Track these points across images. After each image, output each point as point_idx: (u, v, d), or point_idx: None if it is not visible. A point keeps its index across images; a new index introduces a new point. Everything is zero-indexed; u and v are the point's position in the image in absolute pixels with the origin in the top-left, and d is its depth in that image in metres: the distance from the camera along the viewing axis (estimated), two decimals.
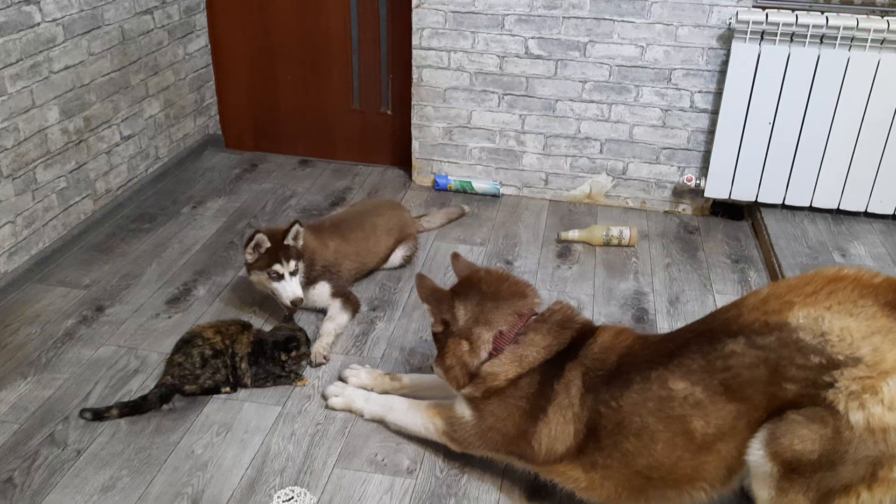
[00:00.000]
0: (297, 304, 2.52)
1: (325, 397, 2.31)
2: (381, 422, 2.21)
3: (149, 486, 2.01)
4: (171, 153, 3.76)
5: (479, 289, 2.01)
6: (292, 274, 2.54)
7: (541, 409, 1.84)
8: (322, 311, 2.72)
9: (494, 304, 1.96)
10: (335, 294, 2.71)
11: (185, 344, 2.30)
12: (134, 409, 2.21)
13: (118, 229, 3.26)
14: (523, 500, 2.00)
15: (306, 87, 3.96)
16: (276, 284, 2.54)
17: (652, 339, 1.88)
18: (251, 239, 2.53)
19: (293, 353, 2.33)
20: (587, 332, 1.92)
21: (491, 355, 1.91)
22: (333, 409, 2.27)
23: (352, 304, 2.73)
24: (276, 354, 2.31)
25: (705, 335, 1.68)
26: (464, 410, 1.99)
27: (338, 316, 2.66)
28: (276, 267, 2.52)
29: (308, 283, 2.66)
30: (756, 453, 1.60)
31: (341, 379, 2.37)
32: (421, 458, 2.12)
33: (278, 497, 1.96)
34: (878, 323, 1.48)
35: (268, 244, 2.52)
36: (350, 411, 2.26)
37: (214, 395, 2.32)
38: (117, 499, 1.96)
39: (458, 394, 2.01)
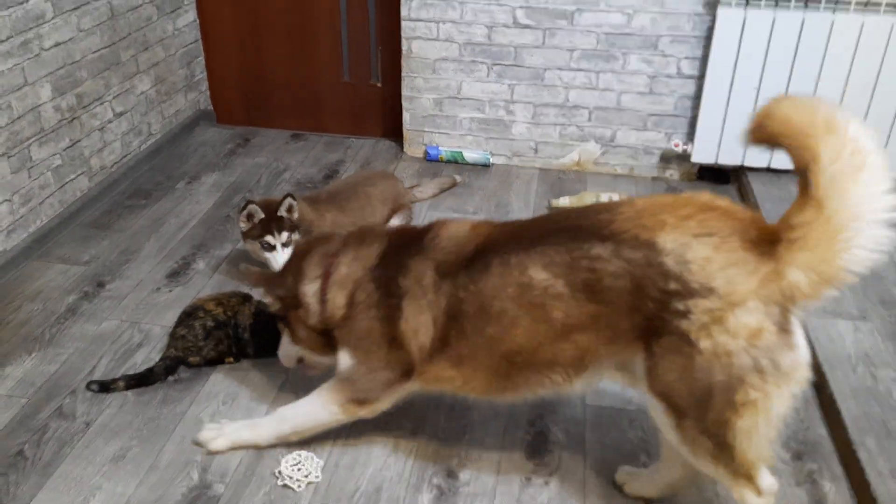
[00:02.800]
0: None
1: (199, 444, 2.07)
2: (282, 439, 2.06)
3: (158, 455, 2.06)
4: (163, 129, 3.77)
5: (297, 255, 2.06)
6: (284, 245, 2.59)
7: (395, 308, 1.84)
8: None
9: (307, 258, 2.00)
10: None
11: (187, 317, 2.35)
12: (140, 381, 2.26)
13: (114, 206, 3.28)
14: (522, 460, 2.07)
15: (296, 61, 3.97)
16: (267, 254, 2.59)
17: (512, 225, 1.88)
18: (244, 208, 2.58)
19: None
20: (415, 231, 1.93)
21: (325, 302, 1.94)
22: (219, 452, 2.05)
23: None
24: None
25: (572, 231, 1.67)
26: (344, 360, 1.94)
27: None
28: (268, 238, 2.57)
29: None
30: (644, 391, 1.67)
31: (198, 444, 2.10)
32: (423, 419, 2.19)
33: (286, 462, 2.02)
34: (736, 255, 1.52)
35: (261, 215, 2.57)
36: (241, 447, 2.06)
37: (219, 366, 2.37)
38: (128, 468, 2.02)
39: (327, 360, 2.02)
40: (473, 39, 3.54)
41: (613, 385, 2.30)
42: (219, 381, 2.32)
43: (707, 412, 1.57)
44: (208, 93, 4.13)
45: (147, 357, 2.41)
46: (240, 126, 4.14)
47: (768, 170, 3.42)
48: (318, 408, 1.99)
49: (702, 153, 3.43)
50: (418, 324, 1.82)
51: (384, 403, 1.96)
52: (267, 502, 1.93)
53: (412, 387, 1.94)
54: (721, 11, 3.18)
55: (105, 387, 2.25)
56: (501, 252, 1.73)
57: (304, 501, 1.94)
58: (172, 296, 2.71)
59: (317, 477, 2.00)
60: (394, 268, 1.86)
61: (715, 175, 3.61)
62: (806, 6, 3.13)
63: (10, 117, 2.75)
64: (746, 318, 1.50)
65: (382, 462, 2.06)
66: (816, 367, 2.31)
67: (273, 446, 2.07)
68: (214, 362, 2.36)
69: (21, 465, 2.02)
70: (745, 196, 3.41)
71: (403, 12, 3.54)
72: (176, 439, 2.11)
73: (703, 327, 1.52)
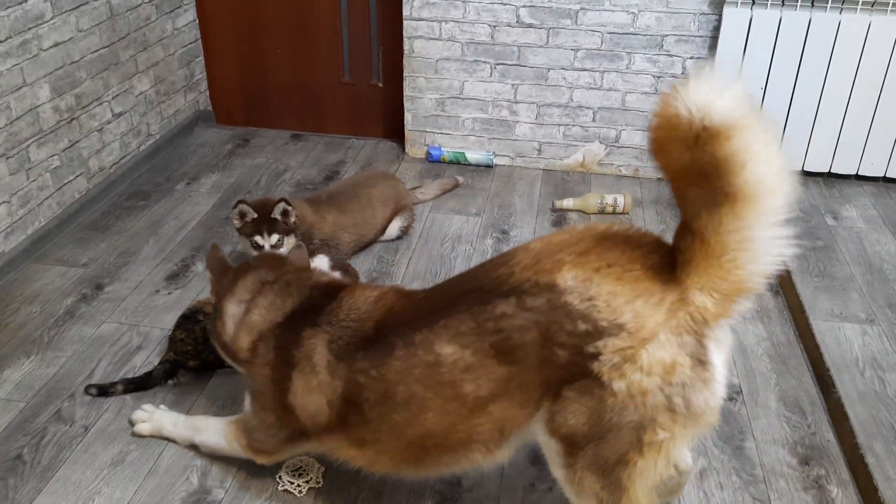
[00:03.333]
0: None
1: (131, 423, 2.13)
2: (193, 447, 2.05)
3: (157, 459, 2.03)
4: (162, 130, 3.74)
5: (244, 269, 1.94)
6: (273, 247, 2.56)
7: (285, 379, 1.74)
8: None
9: (246, 277, 1.90)
10: (334, 267, 2.72)
11: (185, 320, 2.32)
12: (139, 385, 2.23)
13: (113, 207, 3.25)
14: (526, 465, 2.04)
15: (296, 61, 3.94)
16: (255, 255, 2.57)
17: (415, 297, 1.74)
18: (235, 207, 2.59)
19: None
20: (331, 292, 1.81)
21: (236, 335, 1.85)
22: (140, 435, 2.09)
23: (351, 276, 2.75)
24: None
25: (475, 294, 1.55)
26: (246, 402, 1.88)
27: None
28: (257, 238, 2.56)
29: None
30: (540, 433, 1.55)
31: (131, 422, 2.14)
32: None
33: (286, 466, 1.99)
34: (641, 286, 1.42)
35: (253, 214, 2.55)
36: (160, 437, 2.09)
37: (218, 370, 2.34)
38: (127, 472, 1.99)
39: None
40: (476, 39, 3.51)
41: None
42: (218, 385, 2.29)
43: (608, 451, 1.47)
44: (208, 93, 4.10)
45: (146, 360, 2.38)
46: (239, 126, 4.11)
47: None
48: (224, 441, 1.96)
49: None
50: (308, 402, 1.72)
51: (284, 455, 1.90)
52: None
53: (315, 447, 1.84)
54: (727, 11, 3.15)
55: (104, 391, 2.22)
56: (404, 330, 1.61)
57: None
58: (171, 298, 2.69)
59: (318, 482, 1.97)
60: (292, 334, 1.75)
61: None
62: (813, 6, 3.10)
63: (9, 118, 2.72)
64: (659, 354, 1.40)
65: None
66: (824, 371, 2.29)
67: None
68: (214, 366, 2.33)
69: (20, 469, 1.99)
70: None
71: (405, 11, 3.51)
72: (175, 444, 2.08)
73: (616, 367, 1.41)
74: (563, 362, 1.46)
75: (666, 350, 1.40)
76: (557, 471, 1.57)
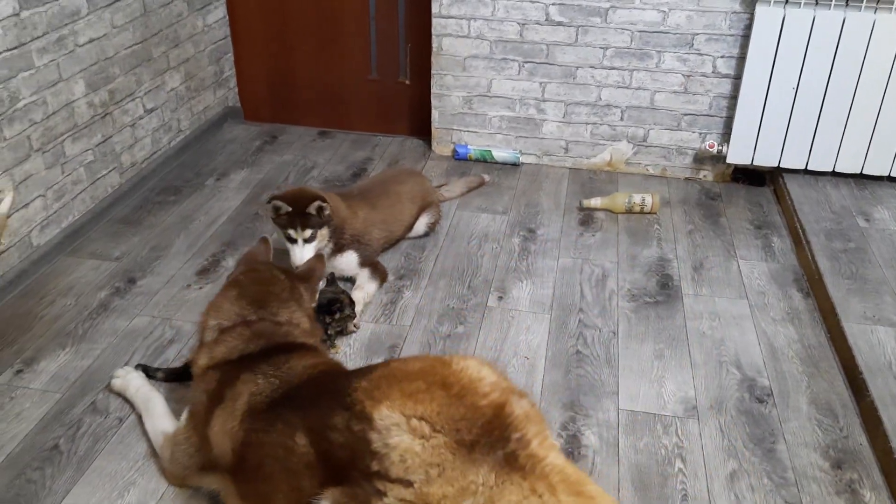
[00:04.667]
0: None
1: (111, 376, 2.27)
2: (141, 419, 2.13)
3: None
4: (192, 126, 3.78)
5: (255, 276, 2.00)
6: (306, 241, 2.56)
7: (210, 412, 1.78)
8: (350, 280, 2.75)
9: (239, 297, 1.94)
10: (363, 263, 2.74)
11: None
12: (179, 375, 2.26)
13: (145, 202, 3.29)
14: None
15: (323, 58, 3.96)
16: (289, 245, 2.59)
17: (321, 377, 1.74)
18: (269, 202, 2.59)
19: (336, 316, 2.37)
20: (287, 348, 1.83)
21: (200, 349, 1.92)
22: (111, 389, 2.24)
23: (380, 273, 2.76)
24: (320, 317, 2.34)
25: (335, 395, 1.58)
26: (182, 416, 1.93)
27: (366, 285, 2.69)
28: (290, 231, 2.56)
29: (336, 251, 2.69)
30: None
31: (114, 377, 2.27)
32: None
33: None
34: (441, 456, 1.39)
35: (287, 208, 2.55)
36: (123, 397, 2.21)
37: None
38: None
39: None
40: (505, 37, 3.51)
41: (648, 388, 2.28)
42: None
43: None
44: (237, 90, 4.13)
45: (179, 354, 2.41)
46: (267, 123, 4.14)
47: (805, 171, 3.36)
48: (157, 440, 2.01)
49: (737, 154, 3.38)
50: (219, 441, 1.74)
51: (191, 481, 1.91)
52: None
53: (219, 486, 1.84)
54: (759, 9, 3.12)
55: (148, 372, 2.28)
56: (290, 409, 1.64)
57: None
58: (203, 293, 2.71)
59: None
60: (235, 373, 1.78)
61: (750, 177, 3.55)
62: (847, 5, 3.07)
63: (45, 112, 2.76)
64: None
65: None
66: (857, 375, 2.27)
67: None
68: None
69: (56, 459, 2.02)
70: (781, 198, 3.35)
71: (434, 9, 3.52)
72: None
73: None
74: (355, 480, 1.46)
75: None
76: None
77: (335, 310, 2.37)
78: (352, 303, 2.45)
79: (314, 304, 2.26)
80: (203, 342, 1.93)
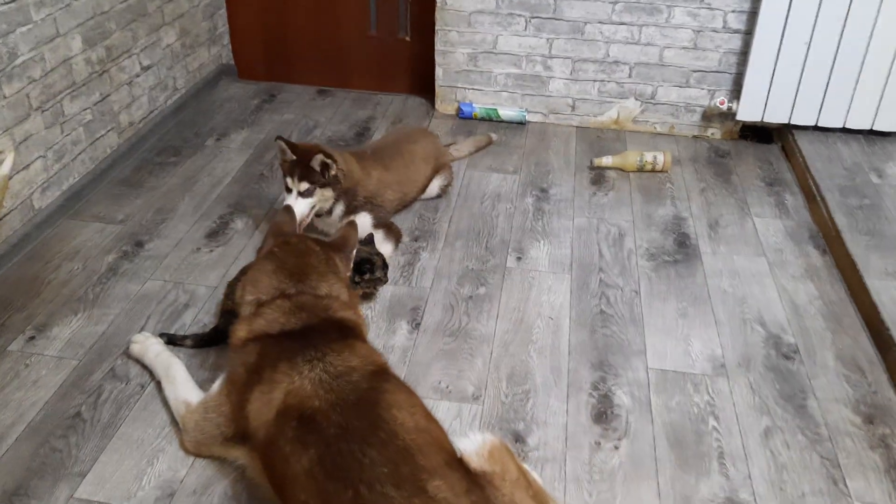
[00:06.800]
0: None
1: (129, 342, 2.19)
2: (160, 385, 2.06)
3: None
4: (187, 84, 3.66)
5: (290, 249, 1.92)
6: (301, 194, 2.49)
7: (250, 390, 1.69)
8: (362, 242, 2.69)
9: (277, 270, 1.87)
10: (377, 225, 2.68)
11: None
12: (209, 341, 2.21)
13: (144, 163, 3.19)
14: (590, 423, 2.03)
15: (320, 13, 3.84)
16: (285, 194, 2.53)
17: (371, 407, 1.58)
18: (277, 139, 2.53)
19: (367, 276, 2.31)
20: (336, 334, 1.74)
21: (238, 321, 1.85)
22: (130, 355, 2.17)
23: (394, 234, 2.71)
24: (351, 276, 2.28)
25: (406, 472, 1.45)
26: (216, 383, 1.86)
27: (381, 246, 2.64)
28: (287, 179, 2.50)
29: (349, 212, 2.63)
30: None
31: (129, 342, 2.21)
32: (485, 383, 2.14)
33: None
34: None
35: (291, 155, 2.49)
36: (142, 363, 2.15)
37: None
38: None
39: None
40: None
41: (675, 346, 2.27)
42: None
43: None
44: (230, 46, 4.00)
45: (195, 318, 2.35)
46: (263, 81, 4.02)
47: (815, 128, 3.34)
48: (177, 407, 1.96)
49: (748, 111, 3.35)
50: (254, 418, 1.66)
51: (211, 450, 1.86)
52: None
53: (241, 458, 1.79)
54: None
55: (172, 340, 2.21)
56: (326, 426, 1.53)
57: None
58: (214, 256, 2.65)
59: None
60: (275, 353, 1.70)
61: (758, 134, 3.53)
62: None
63: (44, 69, 2.64)
64: None
65: (447, 426, 2.01)
66: (883, 330, 2.27)
67: None
68: None
69: (80, 426, 1.96)
70: (790, 155, 3.34)
71: None
72: None
73: None
74: None
75: None
76: None
77: (365, 270, 2.31)
78: (384, 265, 2.40)
79: (349, 273, 2.19)
80: (241, 316, 1.87)
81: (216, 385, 1.88)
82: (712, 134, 3.58)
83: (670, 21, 3.37)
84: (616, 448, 1.95)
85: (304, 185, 2.49)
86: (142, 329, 2.29)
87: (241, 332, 1.83)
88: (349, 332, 1.80)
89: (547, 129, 3.62)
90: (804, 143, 3.26)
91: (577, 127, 3.65)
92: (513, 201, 3.03)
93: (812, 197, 2.98)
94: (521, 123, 3.66)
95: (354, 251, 2.02)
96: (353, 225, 2.06)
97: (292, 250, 1.92)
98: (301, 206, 2.49)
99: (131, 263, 2.59)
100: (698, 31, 3.37)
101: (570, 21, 3.45)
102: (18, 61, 2.52)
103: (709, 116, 3.54)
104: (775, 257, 2.71)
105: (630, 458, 1.93)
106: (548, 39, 3.51)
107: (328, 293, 1.87)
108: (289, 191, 2.52)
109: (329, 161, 2.51)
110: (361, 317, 1.93)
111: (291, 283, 1.86)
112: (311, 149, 2.51)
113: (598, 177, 3.22)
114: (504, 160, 3.34)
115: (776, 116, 3.34)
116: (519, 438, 1.98)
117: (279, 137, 2.52)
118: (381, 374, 1.69)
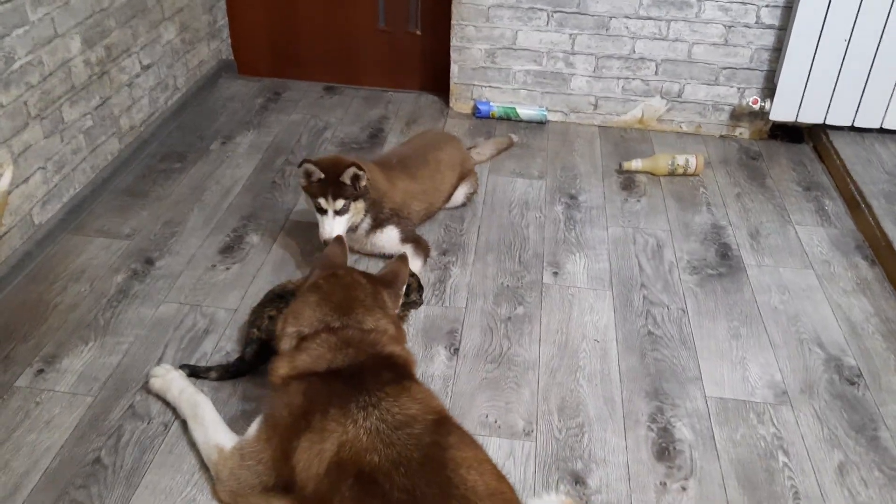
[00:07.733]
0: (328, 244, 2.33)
1: (149, 375, 2.02)
2: (185, 425, 1.90)
3: None
4: (188, 83, 3.45)
5: (336, 281, 1.77)
6: (337, 213, 2.34)
7: (296, 436, 1.55)
8: (389, 257, 2.53)
9: (321, 302, 1.73)
10: (405, 239, 2.52)
11: (278, 298, 2.10)
12: (235, 372, 2.04)
13: (148, 170, 2.99)
14: (652, 461, 1.89)
15: (326, 5, 3.64)
16: (319, 216, 2.36)
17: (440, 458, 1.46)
18: (300, 165, 2.35)
19: (401, 300, 2.15)
20: (385, 373, 1.61)
21: (279, 356, 1.71)
22: (150, 390, 1.99)
23: (423, 248, 2.55)
24: None
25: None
26: (253, 426, 1.70)
27: (410, 262, 2.47)
28: (321, 201, 2.33)
29: (375, 226, 2.47)
30: None
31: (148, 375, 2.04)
32: (535, 417, 2.00)
33: None
34: None
35: (319, 175, 2.32)
36: (164, 399, 1.97)
37: None
38: None
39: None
40: None
41: (732, 371, 2.14)
42: None
43: None
44: (229, 41, 3.79)
45: (217, 346, 2.18)
46: (266, 78, 3.82)
47: (851, 128, 3.21)
48: (208, 451, 1.78)
49: (781, 110, 3.21)
50: (303, 469, 1.52)
51: (247, 501, 1.67)
52: None
53: None
54: None
55: (195, 372, 2.04)
56: (390, 489, 1.40)
57: None
58: (231, 274, 2.47)
59: None
60: (323, 395, 1.56)
61: (788, 134, 3.40)
62: None
63: (42, 74, 2.44)
64: None
65: (501, 466, 1.86)
66: None
67: None
68: None
69: (101, 474, 1.79)
70: (825, 157, 3.21)
71: None
72: None
73: None
74: None
75: None
76: None
77: None
78: (420, 288, 2.24)
79: (397, 311, 2.01)
80: (281, 351, 1.71)
81: (253, 428, 1.71)
82: (740, 133, 3.44)
83: (700, 16, 3.21)
84: (684, 489, 1.82)
85: (341, 203, 2.33)
86: (160, 360, 2.12)
87: (282, 368, 1.68)
88: (401, 372, 1.65)
89: (569, 129, 3.47)
90: (840, 145, 3.13)
91: (599, 126, 3.50)
92: (542, 209, 2.87)
93: (855, 203, 2.86)
94: (542, 123, 3.50)
95: (404, 288, 1.86)
96: (403, 259, 1.90)
97: (338, 282, 1.76)
98: (339, 226, 2.33)
99: (142, 284, 2.40)
100: (730, 27, 3.22)
101: (594, 16, 3.28)
102: (16, 66, 2.32)
103: (737, 115, 3.40)
104: (823, 269, 2.58)
105: (700, 500, 1.80)
106: (570, 35, 3.34)
107: (375, 327, 1.72)
108: (322, 212, 2.34)
109: (360, 172, 2.34)
110: (410, 353, 1.77)
111: (336, 317, 1.71)
112: (338, 162, 2.33)
113: (628, 181, 3.07)
114: (528, 163, 3.18)
115: (811, 116, 3.20)
116: (579, 480, 1.84)
117: (305, 161, 2.33)
118: (443, 423, 1.54)
